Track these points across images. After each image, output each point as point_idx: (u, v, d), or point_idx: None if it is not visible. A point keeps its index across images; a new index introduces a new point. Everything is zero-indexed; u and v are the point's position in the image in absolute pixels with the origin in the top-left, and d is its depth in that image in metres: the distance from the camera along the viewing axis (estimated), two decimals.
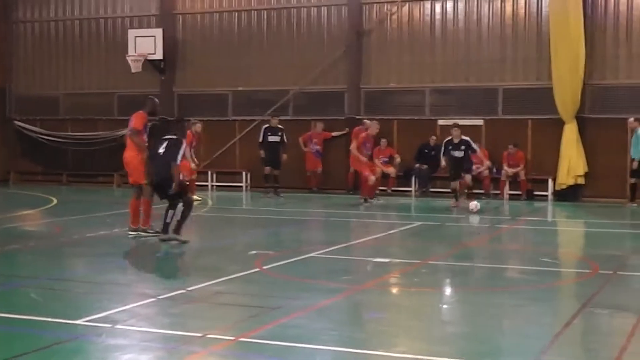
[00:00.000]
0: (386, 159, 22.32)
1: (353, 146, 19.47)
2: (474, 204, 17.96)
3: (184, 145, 12.59)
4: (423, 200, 21.70)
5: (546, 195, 21.64)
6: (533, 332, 7.35)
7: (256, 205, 20.65)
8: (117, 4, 26.78)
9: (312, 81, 24.12)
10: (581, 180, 21.35)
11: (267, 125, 22.35)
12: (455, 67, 22.78)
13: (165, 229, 12.55)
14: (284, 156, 22.09)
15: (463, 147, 18.65)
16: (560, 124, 21.30)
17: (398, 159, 22.28)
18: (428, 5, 23.06)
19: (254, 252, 11.82)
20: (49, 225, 16.45)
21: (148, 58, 25.14)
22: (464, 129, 19.74)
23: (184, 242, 12.46)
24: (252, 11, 25.00)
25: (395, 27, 23.45)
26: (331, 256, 11.77)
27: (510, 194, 21.77)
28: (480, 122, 22.06)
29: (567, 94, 21.11)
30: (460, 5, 22.72)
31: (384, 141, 22.48)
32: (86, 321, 7.46)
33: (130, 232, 13.21)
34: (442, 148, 19.09)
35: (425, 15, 23.09)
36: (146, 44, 25.13)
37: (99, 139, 25.96)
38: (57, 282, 9.77)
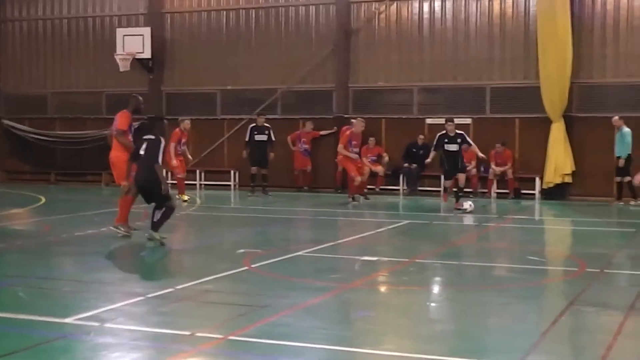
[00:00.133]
0: (374, 158, 22.34)
1: (340, 146, 19.39)
2: (469, 204, 17.91)
3: (162, 144, 12.34)
4: (411, 198, 21.74)
5: (533, 194, 21.72)
6: (520, 330, 7.38)
7: (244, 204, 20.64)
8: (105, 2, 26.73)
9: (301, 80, 24.13)
10: (568, 179, 21.44)
11: (253, 125, 22.32)
12: (443, 66, 22.83)
13: (152, 223, 12.53)
14: (271, 155, 22.05)
15: (459, 140, 18.31)
16: (547, 122, 21.38)
17: (386, 158, 22.29)
18: (416, 4, 23.10)
19: (242, 250, 11.82)
20: (37, 224, 16.39)
21: (136, 57, 25.11)
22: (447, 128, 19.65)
23: (162, 239, 12.25)
24: (241, 10, 25.00)
25: (383, 26, 23.48)
26: (319, 255, 11.77)
27: (497, 193, 21.86)
28: (468, 120, 22.10)
29: (554, 93, 21.18)
30: (448, 4, 22.77)
31: (372, 140, 22.52)
32: (75, 320, 7.45)
33: (118, 230, 13.14)
34: (435, 142, 18.62)
35: (413, 14, 23.13)
36: (134, 42, 25.09)
37: (88, 138, 25.90)
38: (45, 281, 9.74)
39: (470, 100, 22.61)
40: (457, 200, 18.26)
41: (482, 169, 21.81)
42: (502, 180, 21.91)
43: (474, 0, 22.52)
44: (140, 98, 13.92)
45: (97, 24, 26.85)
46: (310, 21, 24.24)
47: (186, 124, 20.13)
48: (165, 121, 12.98)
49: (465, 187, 19.11)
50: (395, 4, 23.32)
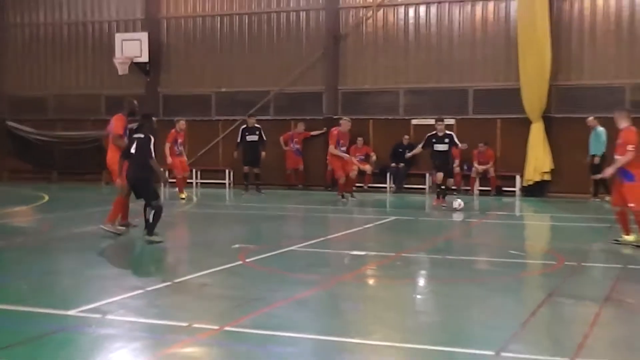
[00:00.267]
0: (362, 157, 22.37)
1: (331, 146, 19.34)
2: (458, 203, 17.75)
3: (152, 142, 12.21)
4: (398, 196, 21.78)
5: (514, 191, 21.80)
6: (501, 321, 7.42)
7: (238, 202, 20.63)
8: (103, 8, 26.69)
9: (292, 82, 24.16)
10: (547, 177, 21.55)
11: (244, 126, 22.33)
12: (427, 69, 22.89)
13: (147, 225, 12.55)
14: (263, 154, 22.06)
15: (447, 141, 18.05)
16: (527, 123, 21.47)
17: (374, 157, 22.35)
18: (402, 10, 23.17)
19: (237, 246, 11.82)
20: (39, 221, 16.37)
21: (134, 61, 25.06)
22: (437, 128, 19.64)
23: (160, 242, 12.27)
24: (234, 15, 25.00)
25: (370, 31, 23.53)
26: (310, 250, 11.79)
27: (480, 190, 21.93)
28: (451, 121, 22.11)
29: (534, 95, 21.27)
30: (433, 10, 22.83)
31: (360, 140, 22.59)
32: (77, 312, 7.46)
33: (119, 228, 13.12)
34: (424, 141, 18.41)
35: (399, 20, 23.19)
36: (132, 47, 25.06)
37: (87, 138, 25.84)
38: (48, 276, 9.73)
39: (454, 102, 22.67)
40: (437, 197, 18.29)
41: (465, 167, 21.87)
42: (484, 178, 21.99)
43: (457, 7, 22.60)
44: (135, 102, 13.88)
45: (96, 28, 26.82)
46: (301, 26, 24.27)
47: (181, 124, 20.17)
48: (154, 119, 12.84)
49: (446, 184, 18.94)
50: (382, 10, 23.36)
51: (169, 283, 9.05)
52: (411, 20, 23.05)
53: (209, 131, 24.99)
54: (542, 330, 7.29)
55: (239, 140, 22.18)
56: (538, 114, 21.36)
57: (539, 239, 15.17)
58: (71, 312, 7.44)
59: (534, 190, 21.55)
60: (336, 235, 13.90)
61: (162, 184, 12.44)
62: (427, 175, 21.71)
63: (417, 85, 23.07)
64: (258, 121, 22.47)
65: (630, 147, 11.54)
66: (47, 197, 20.42)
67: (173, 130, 20.01)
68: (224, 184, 24.54)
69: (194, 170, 24.12)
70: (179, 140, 20.11)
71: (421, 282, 9.97)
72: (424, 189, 22.23)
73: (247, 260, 10.58)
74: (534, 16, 21.00)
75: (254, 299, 8.22)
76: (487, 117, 22.27)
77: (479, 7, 22.40)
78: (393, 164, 22.68)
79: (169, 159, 19.72)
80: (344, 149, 19.48)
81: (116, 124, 13.25)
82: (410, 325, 7.43)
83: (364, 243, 12.82)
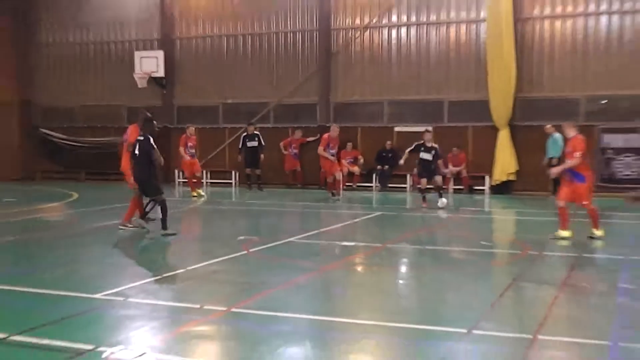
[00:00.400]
0: (351, 160, 22.45)
1: (320, 148, 19.30)
2: (442, 201, 17.58)
3: (152, 141, 12.08)
4: (382, 194, 21.78)
5: (484, 190, 21.82)
6: (473, 303, 7.45)
7: (243, 199, 20.60)
8: (124, 29, 26.62)
9: (289, 95, 24.14)
10: (513, 177, 21.57)
11: (245, 134, 22.33)
12: (408, 83, 22.88)
13: (142, 216, 12.56)
14: (262, 156, 22.08)
15: (433, 152, 17.56)
16: (495, 130, 21.50)
17: (361, 160, 22.42)
18: (386, 31, 23.17)
19: (241, 237, 11.82)
20: (69, 216, 16.35)
21: (152, 75, 25.04)
22: (417, 135, 19.50)
23: (173, 234, 12.17)
24: (239, 36, 24.97)
25: (358, 49, 23.52)
26: (306, 241, 11.81)
27: (454, 189, 21.93)
28: (429, 128, 22.09)
29: (501, 105, 21.29)
30: (413, 31, 22.85)
31: (349, 144, 22.63)
32: (102, 295, 7.49)
33: (140, 222, 13.05)
34: (413, 147, 17.83)
35: (384, 40, 23.19)
36: (150, 63, 25.02)
37: (111, 143, 25.75)
38: (76, 264, 9.73)
39: (431, 112, 22.65)
40: (423, 200, 17.78)
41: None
42: (457, 178, 21.99)
43: (433, 28, 22.61)
44: (148, 113, 13.74)
45: (119, 47, 26.74)
46: (297, 45, 24.25)
47: (191, 130, 20.33)
48: (154, 122, 12.69)
49: (428, 185, 18.60)
50: (368, 31, 23.37)
51: (182, 270, 9.06)
52: (394, 41, 23.06)
53: (217, 137, 24.97)
54: (509, 311, 7.33)
55: (240, 146, 22.21)
56: (505, 122, 21.39)
57: (506, 231, 15.19)
58: (97, 296, 7.46)
59: (501, 189, 21.58)
60: (329, 228, 13.86)
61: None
62: (408, 175, 21.68)
63: (399, 97, 23.06)
64: (259, 129, 22.49)
65: (577, 154, 11.59)
66: (76, 195, 20.38)
67: (184, 135, 20.15)
68: (231, 183, 24.51)
69: (204, 172, 24.08)
70: (190, 144, 20.15)
71: (403, 269, 9.99)
72: (405, 187, 22.25)
73: (251, 250, 10.59)
74: (501, 37, 21.01)
75: (257, 283, 8.24)
76: (460, 125, 22.27)
77: (452, 29, 22.41)
78: (379, 166, 22.70)
79: (186, 157, 19.95)
80: (334, 152, 19.44)
81: (132, 134, 13.15)
82: (392, 306, 7.45)
83: (353, 235, 12.86)
